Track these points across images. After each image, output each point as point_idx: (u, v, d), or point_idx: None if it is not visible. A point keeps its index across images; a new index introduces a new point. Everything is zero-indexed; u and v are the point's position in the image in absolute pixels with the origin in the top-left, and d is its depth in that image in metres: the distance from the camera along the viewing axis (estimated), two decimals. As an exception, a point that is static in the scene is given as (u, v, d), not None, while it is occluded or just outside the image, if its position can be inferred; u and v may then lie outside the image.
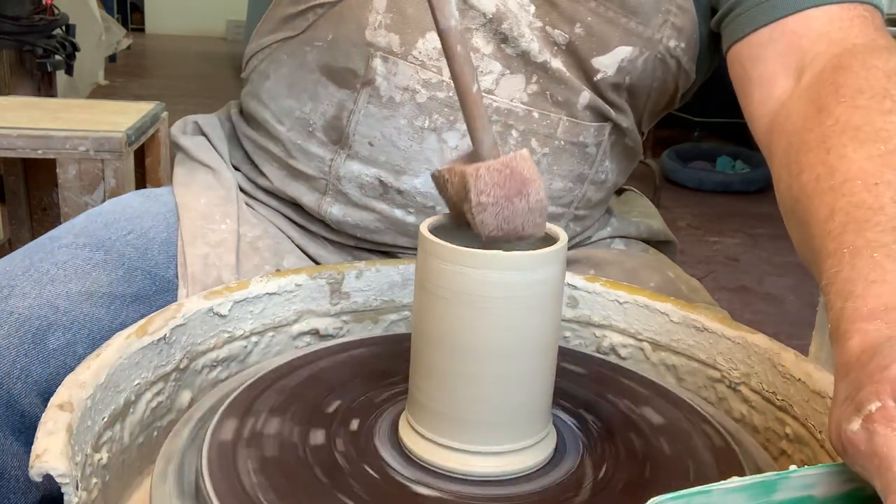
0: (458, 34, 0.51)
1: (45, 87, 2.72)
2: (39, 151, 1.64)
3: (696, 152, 4.32)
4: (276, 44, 0.82)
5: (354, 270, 0.71)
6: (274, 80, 0.82)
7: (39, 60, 2.63)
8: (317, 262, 0.84)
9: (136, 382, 0.56)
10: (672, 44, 0.78)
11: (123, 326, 0.59)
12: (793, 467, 0.38)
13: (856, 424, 0.36)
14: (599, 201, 0.87)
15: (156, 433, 0.58)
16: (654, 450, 0.54)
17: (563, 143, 0.79)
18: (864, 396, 0.37)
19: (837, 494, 0.38)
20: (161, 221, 0.80)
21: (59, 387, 0.48)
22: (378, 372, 0.61)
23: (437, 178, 0.55)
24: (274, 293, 0.67)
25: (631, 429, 0.56)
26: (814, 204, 0.54)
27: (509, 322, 0.49)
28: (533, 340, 0.50)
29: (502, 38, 0.75)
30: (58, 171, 1.65)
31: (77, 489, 0.43)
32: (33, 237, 2.01)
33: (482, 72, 0.75)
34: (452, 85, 0.74)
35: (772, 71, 0.69)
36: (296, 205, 0.84)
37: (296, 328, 0.69)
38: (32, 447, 0.43)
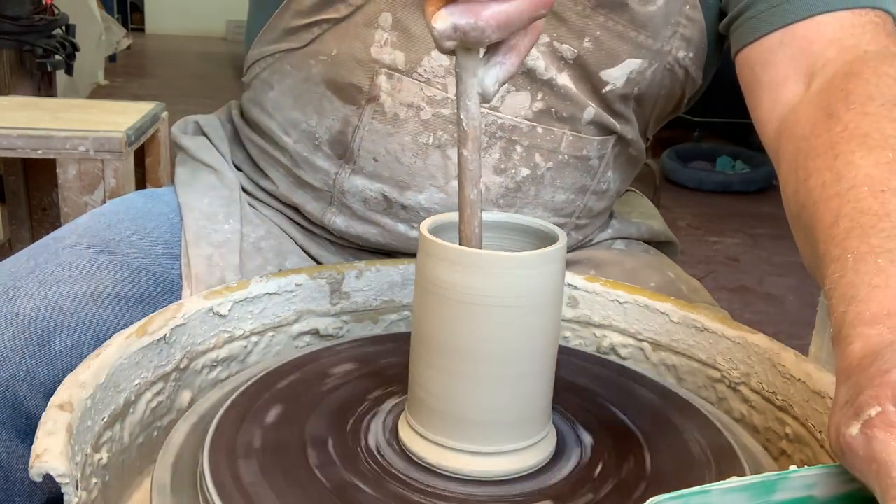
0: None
1: (45, 87, 2.72)
2: (39, 151, 1.64)
3: (696, 152, 4.32)
4: (280, 54, 0.81)
5: (354, 270, 0.71)
6: (279, 90, 0.82)
7: (39, 60, 2.63)
8: (319, 263, 0.84)
9: (136, 382, 0.56)
10: (681, 54, 0.78)
11: (128, 328, 0.59)
12: (793, 467, 0.38)
13: (854, 429, 0.36)
14: (601, 211, 0.87)
15: (156, 433, 0.58)
16: (654, 450, 0.54)
17: (566, 157, 0.79)
18: (864, 401, 0.37)
19: (838, 495, 0.38)
20: (164, 222, 0.80)
21: (59, 387, 0.48)
22: (378, 372, 0.61)
23: None
24: (274, 293, 0.67)
25: (630, 428, 0.56)
26: (819, 209, 0.54)
27: (509, 322, 0.48)
28: (533, 340, 0.50)
29: None
30: (58, 171, 1.65)
31: (77, 489, 0.43)
32: (33, 237, 2.02)
33: None
34: (457, 102, 0.74)
35: (782, 76, 0.69)
36: (298, 208, 0.84)
37: (296, 328, 0.69)
38: (32, 447, 0.43)
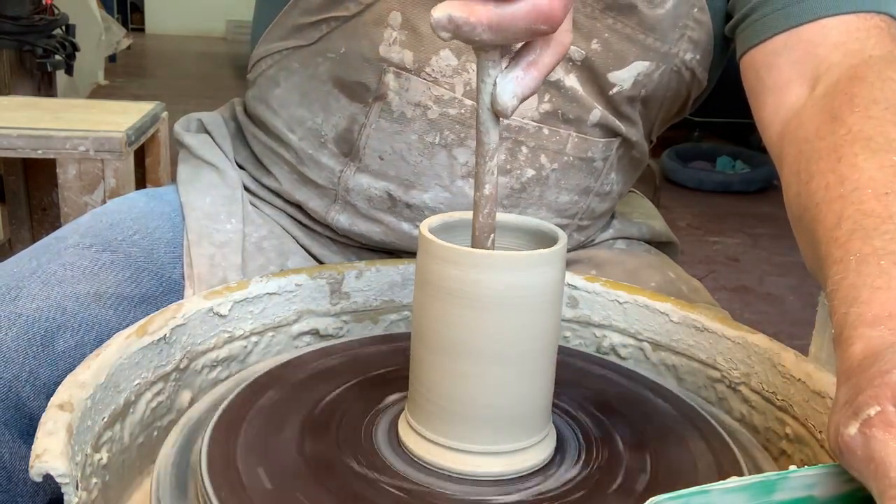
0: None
1: (45, 87, 2.72)
2: (39, 151, 1.64)
3: (696, 152, 4.32)
4: (287, 51, 0.81)
5: (354, 270, 0.71)
6: (285, 88, 0.82)
7: (39, 60, 2.62)
8: (321, 263, 0.84)
9: (136, 382, 0.56)
10: (688, 57, 0.78)
11: (131, 328, 0.59)
12: (793, 467, 0.38)
13: (853, 428, 0.36)
14: (603, 212, 0.88)
15: (156, 433, 0.58)
16: (654, 449, 0.54)
17: (571, 158, 0.79)
18: (864, 401, 0.37)
19: (838, 495, 0.38)
20: (166, 221, 0.80)
21: (59, 387, 0.48)
22: (378, 372, 0.61)
23: None
24: (274, 293, 0.67)
25: (630, 428, 0.56)
26: (822, 211, 0.54)
27: (509, 322, 0.49)
28: (533, 340, 0.50)
29: None
30: (58, 171, 1.65)
31: (77, 489, 0.43)
32: (33, 237, 2.02)
33: None
34: (464, 102, 0.74)
35: (786, 78, 0.69)
36: (301, 206, 0.84)
37: (296, 328, 0.69)
38: (32, 447, 0.43)
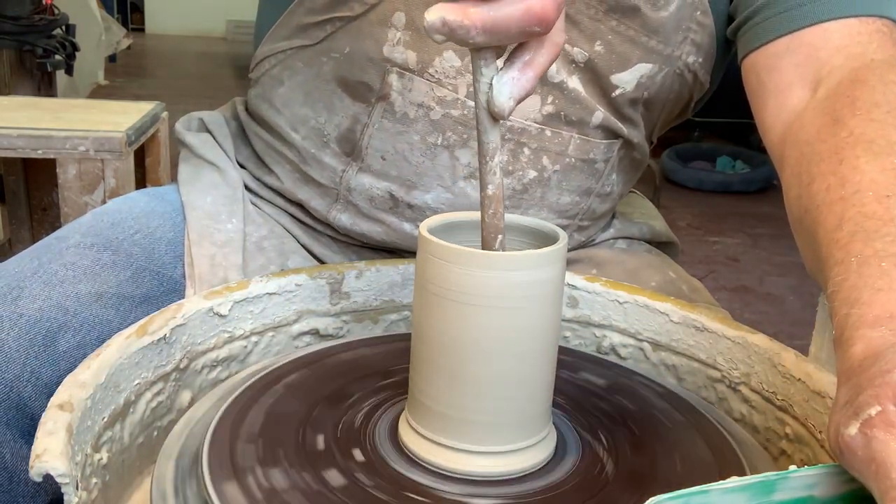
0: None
1: (45, 87, 2.72)
2: (39, 151, 1.64)
3: (696, 152, 4.32)
4: (292, 50, 0.81)
5: (354, 270, 0.71)
6: (289, 87, 0.82)
7: (39, 60, 2.63)
8: (322, 262, 0.84)
9: (136, 382, 0.56)
10: (691, 59, 0.78)
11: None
12: (793, 467, 0.38)
13: (853, 429, 0.36)
14: (604, 213, 0.88)
15: (156, 433, 0.58)
16: (654, 449, 0.54)
17: (573, 160, 0.79)
18: (864, 401, 0.37)
19: (838, 495, 0.38)
20: (167, 221, 0.80)
21: (59, 386, 0.48)
22: (378, 372, 0.61)
23: None
24: (274, 293, 0.67)
25: (631, 428, 0.56)
26: (823, 213, 0.54)
27: (509, 322, 0.48)
28: (533, 340, 0.50)
29: None
30: (58, 171, 1.65)
31: (77, 489, 0.43)
32: (33, 237, 2.02)
33: None
34: (467, 103, 0.74)
35: (787, 81, 0.69)
36: (302, 205, 0.84)
37: (296, 328, 0.69)
38: (32, 447, 0.43)
